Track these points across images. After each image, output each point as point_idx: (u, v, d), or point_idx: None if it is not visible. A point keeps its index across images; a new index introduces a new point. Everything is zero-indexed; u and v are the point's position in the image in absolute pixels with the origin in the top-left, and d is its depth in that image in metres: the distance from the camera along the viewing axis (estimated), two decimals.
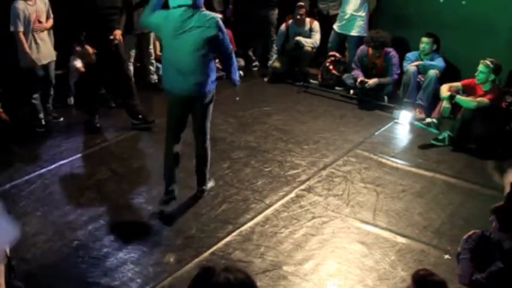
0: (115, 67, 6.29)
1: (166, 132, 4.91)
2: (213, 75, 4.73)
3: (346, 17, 7.73)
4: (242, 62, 8.31)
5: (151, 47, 7.46)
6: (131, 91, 6.43)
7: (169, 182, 4.94)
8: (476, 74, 6.14)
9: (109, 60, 6.20)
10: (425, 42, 7.01)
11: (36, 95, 6.26)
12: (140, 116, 6.46)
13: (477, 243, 3.69)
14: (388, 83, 7.31)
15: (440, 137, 6.28)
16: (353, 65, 7.52)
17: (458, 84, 6.42)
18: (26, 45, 5.92)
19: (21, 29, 5.86)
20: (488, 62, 6.05)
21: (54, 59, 6.35)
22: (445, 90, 6.35)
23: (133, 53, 7.26)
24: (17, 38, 5.92)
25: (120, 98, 6.68)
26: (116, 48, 6.20)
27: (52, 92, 6.49)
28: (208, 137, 4.96)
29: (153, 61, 7.60)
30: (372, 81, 7.23)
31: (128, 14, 7.03)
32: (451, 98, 6.21)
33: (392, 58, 7.26)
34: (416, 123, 6.55)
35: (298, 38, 7.92)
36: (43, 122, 6.36)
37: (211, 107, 4.86)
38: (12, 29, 5.88)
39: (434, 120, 6.46)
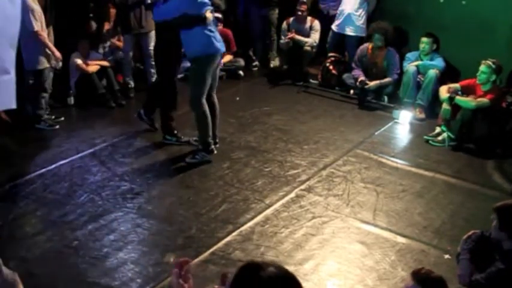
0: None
1: (202, 98, 5.46)
2: None
3: (344, 16, 7.73)
4: (242, 62, 8.28)
5: (151, 47, 7.31)
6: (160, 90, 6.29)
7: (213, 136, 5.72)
8: (478, 74, 6.14)
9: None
10: (425, 42, 7.01)
11: (45, 95, 6.25)
12: (152, 117, 6.37)
13: (476, 243, 3.68)
14: (388, 83, 7.32)
15: (440, 138, 6.27)
16: (353, 65, 7.53)
17: (456, 85, 6.42)
18: (50, 44, 5.92)
19: (37, 28, 5.84)
20: (490, 63, 6.05)
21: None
22: (444, 92, 6.35)
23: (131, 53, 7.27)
24: (37, 38, 5.87)
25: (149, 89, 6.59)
26: None
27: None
28: None
29: (153, 62, 7.53)
30: (373, 83, 7.24)
31: (125, 14, 7.03)
32: (450, 99, 6.21)
33: (392, 57, 7.27)
34: (431, 142, 6.28)
35: (297, 36, 7.92)
36: (43, 119, 6.34)
37: None
38: (36, 28, 5.81)
39: (443, 128, 6.31)
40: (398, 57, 7.30)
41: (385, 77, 7.32)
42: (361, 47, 7.46)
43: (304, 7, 7.93)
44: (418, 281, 2.86)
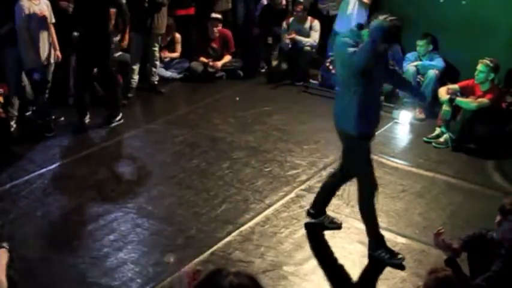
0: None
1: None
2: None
3: (345, 16, 7.71)
4: (241, 62, 8.28)
5: (154, 47, 7.37)
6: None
7: None
8: (476, 73, 6.14)
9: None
10: (419, 45, 7.00)
11: (39, 96, 6.23)
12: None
13: (476, 241, 3.64)
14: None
15: (442, 140, 6.26)
16: None
17: (455, 86, 6.42)
18: (29, 44, 5.90)
19: (25, 26, 5.85)
20: (488, 61, 6.05)
21: (54, 61, 6.34)
22: (443, 93, 6.34)
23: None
24: (20, 36, 5.89)
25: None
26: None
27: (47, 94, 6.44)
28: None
29: (157, 62, 7.52)
30: None
31: (140, 13, 7.00)
32: (450, 101, 6.21)
33: (397, 51, 7.32)
34: (434, 144, 6.23)
35: (297, 37, 7.92)
36: (52, 126, 6.29)
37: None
38: (17, 26, 5.85)
39: (443, 130, 6.29)
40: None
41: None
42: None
43: (300, 7, 7.92)
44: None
